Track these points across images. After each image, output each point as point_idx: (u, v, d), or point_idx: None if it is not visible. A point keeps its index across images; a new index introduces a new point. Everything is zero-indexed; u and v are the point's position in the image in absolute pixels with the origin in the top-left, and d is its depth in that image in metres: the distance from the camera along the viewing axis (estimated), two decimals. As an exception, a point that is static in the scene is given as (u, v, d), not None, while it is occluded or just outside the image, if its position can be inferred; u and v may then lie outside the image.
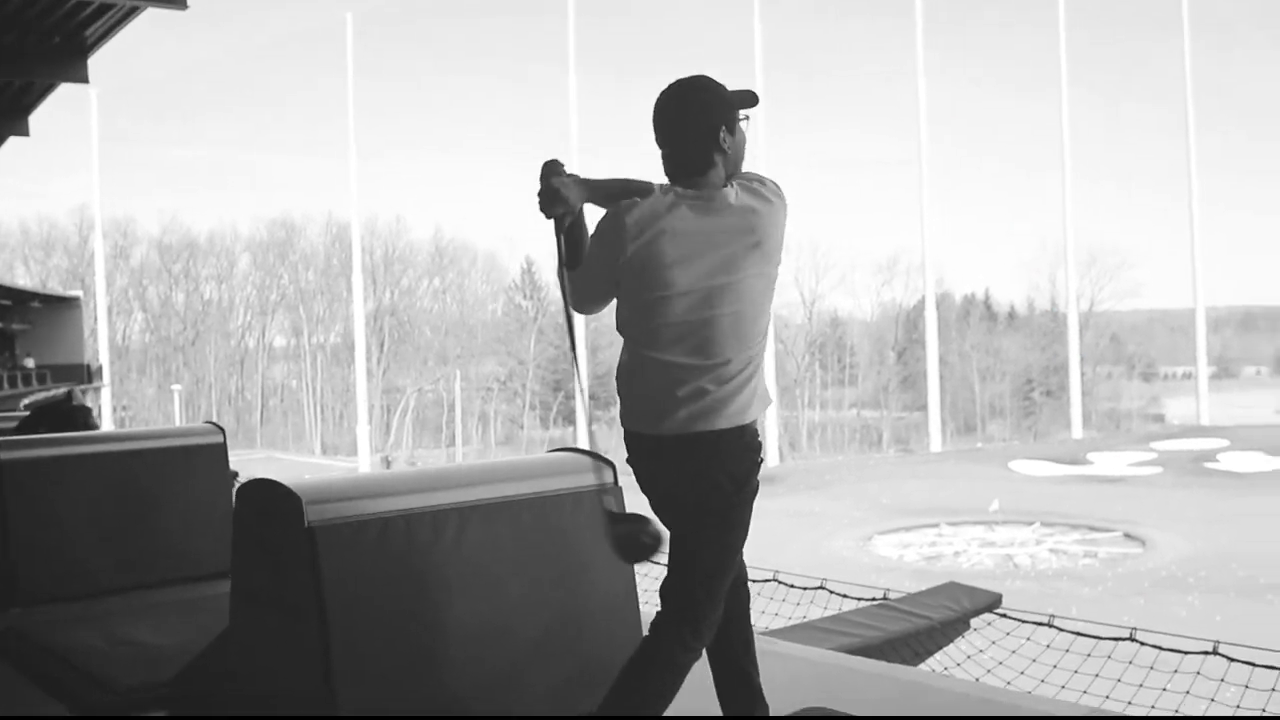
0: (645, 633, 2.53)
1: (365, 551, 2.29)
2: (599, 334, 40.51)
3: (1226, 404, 38.68)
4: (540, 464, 2.82)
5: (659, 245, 2.52)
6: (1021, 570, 21.11)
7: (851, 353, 48.80)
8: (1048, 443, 41.62)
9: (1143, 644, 4.45)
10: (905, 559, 20.79)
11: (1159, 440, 29.44)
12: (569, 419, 39.71)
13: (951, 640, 4.78)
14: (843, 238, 71.57)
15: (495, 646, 2.46)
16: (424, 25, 70.74)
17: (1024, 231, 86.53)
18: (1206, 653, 4.38)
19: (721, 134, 2.64)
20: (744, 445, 2.60)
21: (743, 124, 2.72)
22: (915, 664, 4.52)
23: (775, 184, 2.69)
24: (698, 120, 2.66)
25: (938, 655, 4.82)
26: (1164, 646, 4.39)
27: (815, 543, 16.69)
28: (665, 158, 2.70)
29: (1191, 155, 30.42)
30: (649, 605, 2.61)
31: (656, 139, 2.70)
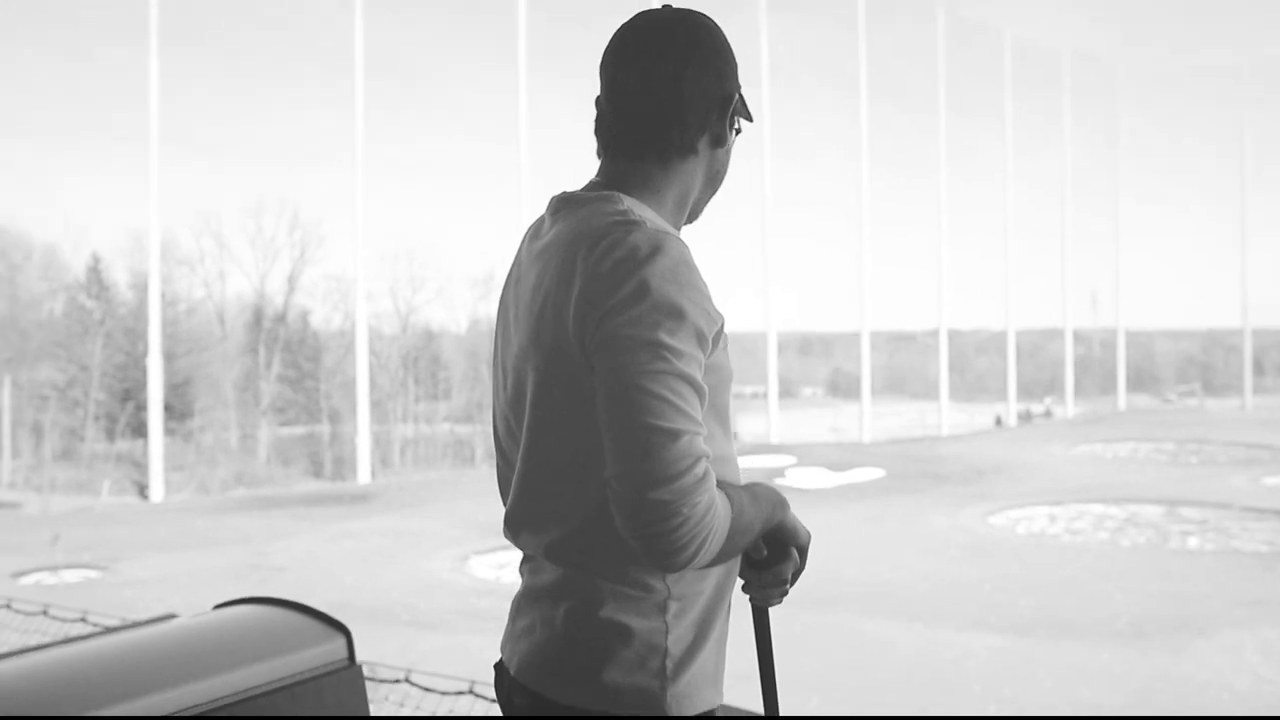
0: None
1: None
2: (175, 340, 37.59)
3: (790, 422, 42.00)
4: (237, 630, 1.79)
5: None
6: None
7: (445, 367, 48.57)
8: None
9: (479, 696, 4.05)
10: (503, 580, 20.68)
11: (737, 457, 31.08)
12: (138, 431, 36.43)
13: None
14: (440, 249, 71.11)
15: None
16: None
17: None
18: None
19: (731, 117, 1.66)
20: None
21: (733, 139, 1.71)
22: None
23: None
24: (704, 77, 1.62)
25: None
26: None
27: (414, 565, 16.09)
28: (617, 133, 1.64)
29: (767, 192, 32.66)
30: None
31: (613, 92, 1.64)
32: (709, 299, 1.51)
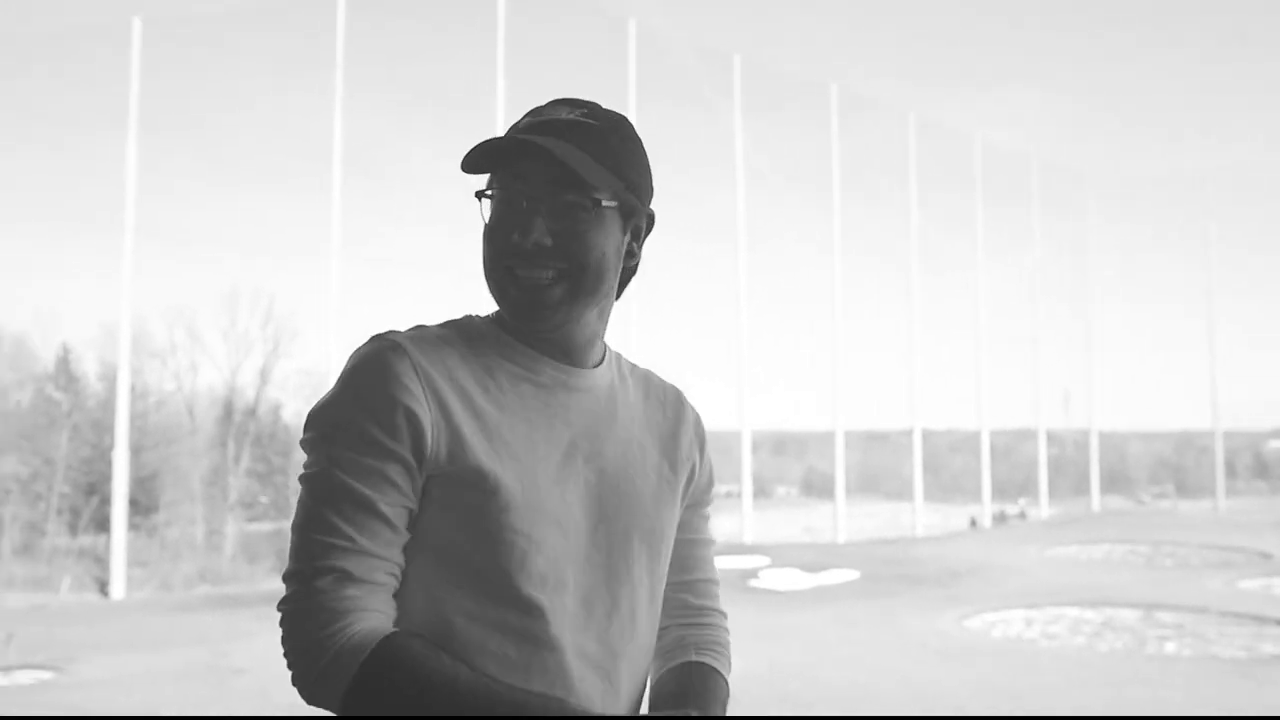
0: None
1: None
2: (143, 433, 37.13)
3: (764, 522, 41.71)
4: None
5: None
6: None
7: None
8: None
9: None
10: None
11: (708, 556, 30.72)
12: (102, 526, 35.75)
13: None
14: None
15: None
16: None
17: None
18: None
19: (641, 233, 1.55)
20: None
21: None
22: None
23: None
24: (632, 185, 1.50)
25: None
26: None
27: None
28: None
29: (742, 291, 32.90)
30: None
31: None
32: (397, 405, 1.36)
